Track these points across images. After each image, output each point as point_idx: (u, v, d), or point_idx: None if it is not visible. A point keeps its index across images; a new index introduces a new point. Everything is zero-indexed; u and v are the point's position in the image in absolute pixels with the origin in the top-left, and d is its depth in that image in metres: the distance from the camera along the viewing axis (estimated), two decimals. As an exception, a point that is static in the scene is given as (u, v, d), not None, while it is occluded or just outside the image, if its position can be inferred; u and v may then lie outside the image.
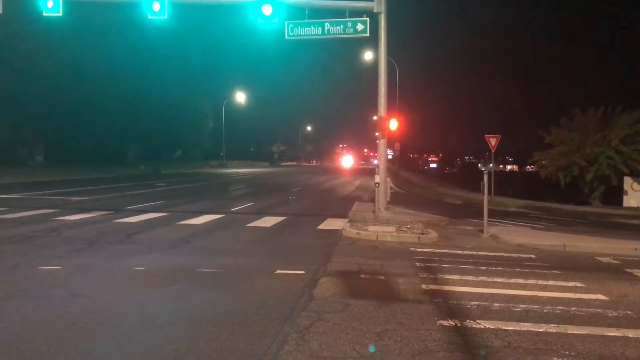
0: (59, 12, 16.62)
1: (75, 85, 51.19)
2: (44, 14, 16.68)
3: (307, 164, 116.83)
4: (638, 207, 25.73)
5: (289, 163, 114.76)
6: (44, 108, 50.24)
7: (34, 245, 10.45)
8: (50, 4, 16.48)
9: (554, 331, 5.71)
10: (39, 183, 30.21)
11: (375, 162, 17.82)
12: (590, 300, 7.16)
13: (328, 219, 15.76)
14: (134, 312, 6.09)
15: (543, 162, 31.64)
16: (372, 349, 5.10)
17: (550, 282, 8.14)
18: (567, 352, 5.10)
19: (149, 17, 16.46)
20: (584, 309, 6.65)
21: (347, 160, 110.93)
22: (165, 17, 16.45)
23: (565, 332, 5.69)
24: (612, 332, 5.75)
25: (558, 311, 6.52)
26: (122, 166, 53.60)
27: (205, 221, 14.75)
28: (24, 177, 33.57)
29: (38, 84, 48.09)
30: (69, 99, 51.37)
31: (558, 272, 9.02)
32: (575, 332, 5.70)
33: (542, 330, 5.74)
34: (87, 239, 11.27)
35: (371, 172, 20.99)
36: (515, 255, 10.66)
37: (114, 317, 5.89)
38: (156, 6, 16.33)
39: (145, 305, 6.38)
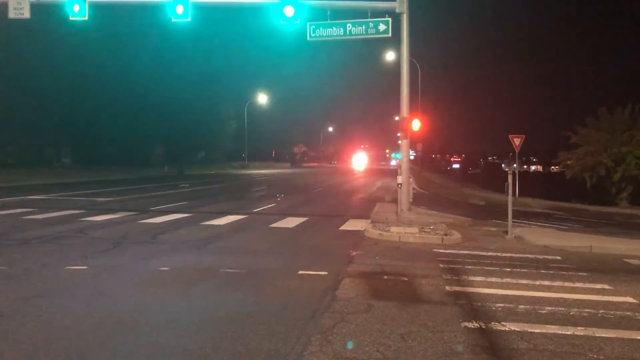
0: (84, 16, 16.85)
1: (101, 88, 52.15)
2: (70, 18, 16.94)
3: (328, 165, 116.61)
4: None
5: (311, 164, 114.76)
6: (71, 111, 51.24)
7: (61, 245, 10.64)
8: (76, 8, 16.73)
9: (582, 334, 5.60)
10: (65, 184, 30.79)
11: (394, 162, 17.75)
12: (618, 302, 7.01)
13: (350, 220, 15.74)
14: (158, 312, 6.16)
15: (568, 162, 31.18)
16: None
17: (577, 284, 8.00)
18: (595, 356, 5.00)
19: (173, 19, 16.64)
20: (612, 312, 6.51)
21: (359, 161, 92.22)
22: (189, 19, 16.62)
23: (593, 335, 5.58)
24: (642, 336, 5.62)
25: (585, 314, 6.40)
26: (146, 167, 54.30)
27: (228, 222, 14.86)
28: (51, 179, 34.23)
29: (65, 88, 49.07)
30: (94, 101, 52.33)
31: (585, 274, 8.86)
32: (604, 335, 5.59)
33: (569, 333, 5.64)
34: (113, 239, 11.44)
35: (392, 172, 20.90)
36: (541, 256, 10.50)
37: (139, 316, 5.96)
38: (180, 9, 16.50)
39: (170, 305, 6.45)
